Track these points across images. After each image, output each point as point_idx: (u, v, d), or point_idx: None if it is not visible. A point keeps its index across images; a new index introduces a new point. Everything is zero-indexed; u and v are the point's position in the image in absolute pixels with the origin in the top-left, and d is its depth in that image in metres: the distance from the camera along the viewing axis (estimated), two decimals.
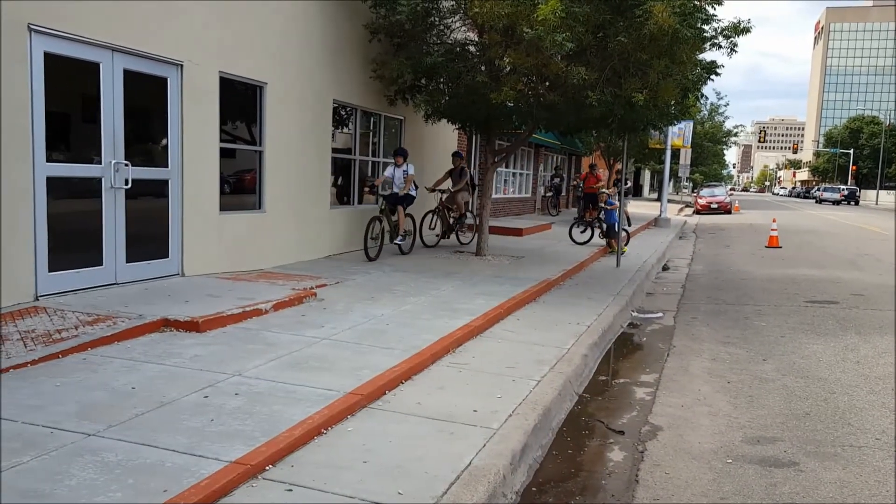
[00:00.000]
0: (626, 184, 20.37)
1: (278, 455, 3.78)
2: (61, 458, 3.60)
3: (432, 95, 11.62)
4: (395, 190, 11.85)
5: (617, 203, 14.44)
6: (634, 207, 33.36)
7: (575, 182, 25.65)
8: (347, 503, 3.34)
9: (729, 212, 38.69)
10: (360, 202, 12.82)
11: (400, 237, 11.87)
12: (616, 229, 13.94)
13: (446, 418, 4.51)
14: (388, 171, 11.95)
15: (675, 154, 30.00)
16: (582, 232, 15.86)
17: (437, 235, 13.86)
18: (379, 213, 11.70)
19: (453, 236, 14.28)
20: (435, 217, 14.03)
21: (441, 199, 13.69)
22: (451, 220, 13.92)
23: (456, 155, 14.17)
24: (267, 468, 3.66)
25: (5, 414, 4.14)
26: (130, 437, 3.89)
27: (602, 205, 15.61)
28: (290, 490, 3.45)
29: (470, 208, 14.98)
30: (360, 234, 12.47)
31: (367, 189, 13.02)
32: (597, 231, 15.91)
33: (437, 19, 11.41)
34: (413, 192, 11.85)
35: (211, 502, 3.28)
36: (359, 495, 3.40)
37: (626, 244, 14.75)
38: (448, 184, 13.76)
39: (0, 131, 6.25)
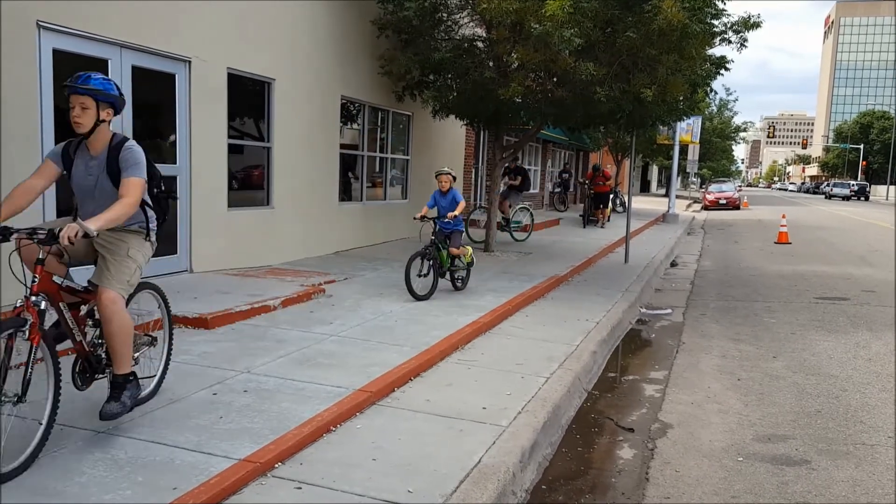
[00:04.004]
0: (514, 176, 15.22)
1: (287, 453, 3.77)
2: (71, 455, 3.60)
3: (440, 91, 11.59)
4: None
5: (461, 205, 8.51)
6: (642, 203, 33.24)
7: (581, 181, 25.59)
8: (357, 501, 3.33)
9: (737, 208, 38.51)
10: (367, 198, 12.81)
11: None
12: (460, 239, 8.55)
13: (455, 415, 4.49)
14: None
15: (684, 150, 29.87)
16: (423, 275, 8.08)
17: None
18: None
19: None
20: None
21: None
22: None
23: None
24: (276, 466, 3.66)
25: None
26: (140, 435, 3.89)
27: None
28: (300, 488, 3.44)
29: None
30: (366, 231, 12.50)
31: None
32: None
33: (444, 15, 11.39)
34: None
35: (220, 500, 3.28)
36: (368, 493, 3.39)
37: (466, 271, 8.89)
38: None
39: (9, 128, 6.27)
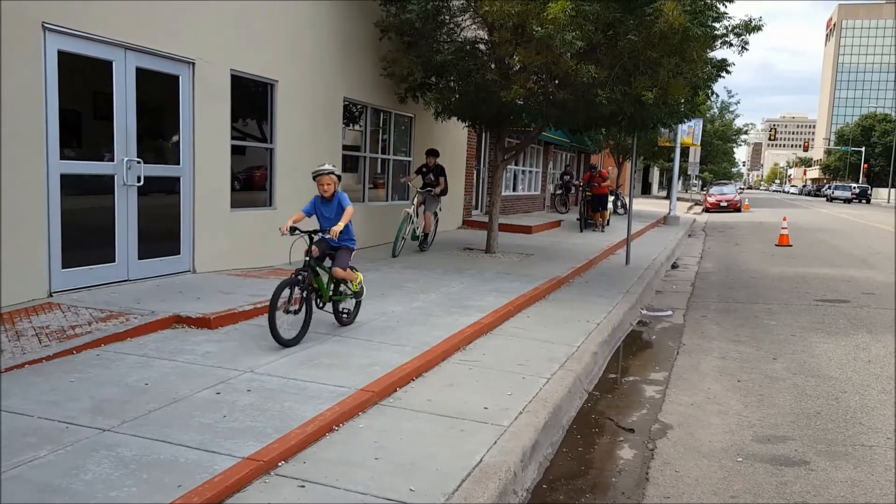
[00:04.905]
0: (436, 178, 12.15)
1: (290, 451, 3.81)
2: (77, 453, 3.64)
3: (442, 93, 11.62)
4: None
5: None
6: (643, 205, 33.25)
7: (578, 183, 25.57)
8: (359, 500, 3.36)
9: (738, 210, 38.54)
10: (369, 199, 12.85)
11: None
12: (349, 257, 6.52)
13: (457, 415, 4.52)
14: None
15: (685, 152, 29.89)
16: (291, 311, 6.01)
17: None
18: None
19: None
20: None
21: None
22: None
23: None
24: (279, 464, 3.69)
25: (22, 408, 4.19)
26: (144, 433, 3.92)
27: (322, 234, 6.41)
28: (303, 486, 3.48)
29: None
30: (369, 232, 12.52)
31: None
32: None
33: (447, 17, 11.42)
34: None
35: (224, 498, 3.31)
36: (371, 492, 3.43)
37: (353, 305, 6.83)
38: None
39: (14, 128, 6.31)
